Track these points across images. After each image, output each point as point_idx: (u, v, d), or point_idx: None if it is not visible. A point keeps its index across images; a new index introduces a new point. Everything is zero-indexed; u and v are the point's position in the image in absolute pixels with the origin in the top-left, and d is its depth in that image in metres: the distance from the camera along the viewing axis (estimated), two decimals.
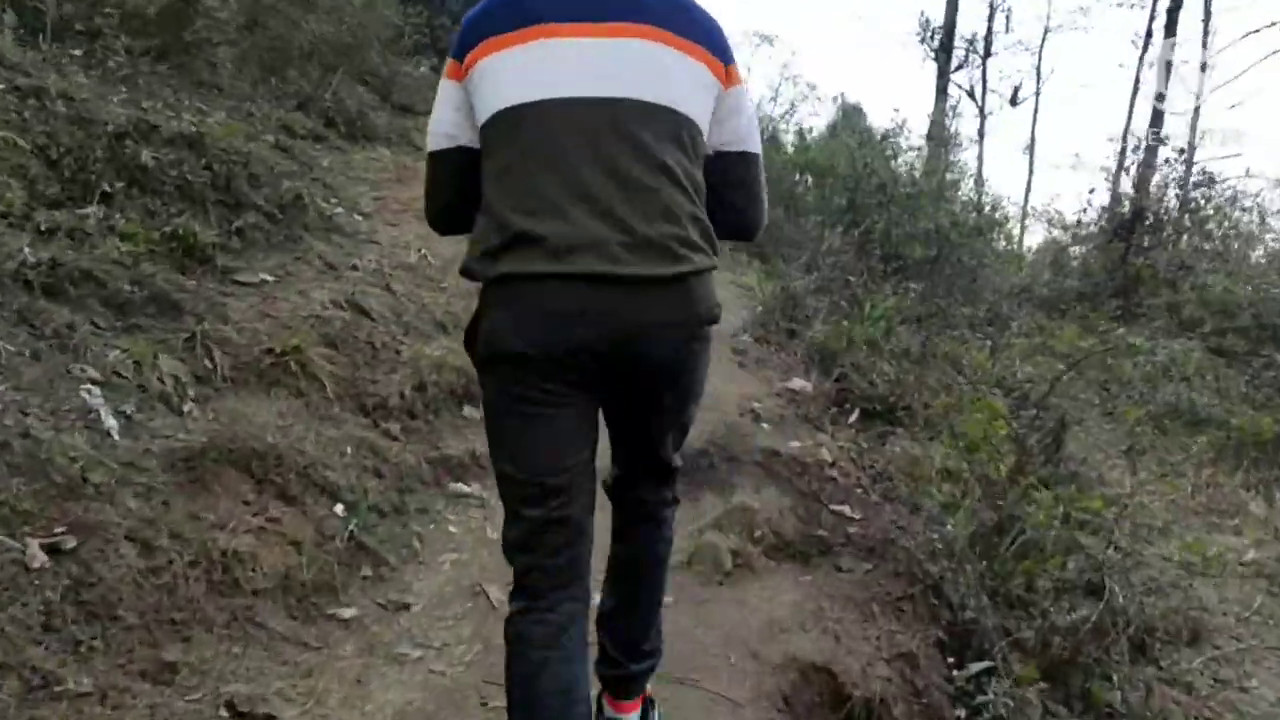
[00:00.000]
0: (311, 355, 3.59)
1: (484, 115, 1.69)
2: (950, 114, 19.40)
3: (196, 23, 6.41)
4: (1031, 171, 30.17)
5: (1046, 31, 27.75)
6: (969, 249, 10.19)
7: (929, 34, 27.12)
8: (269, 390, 3.39)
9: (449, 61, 1.77)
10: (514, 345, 1.65)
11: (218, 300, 3.75)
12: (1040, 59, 29.41)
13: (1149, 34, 23.13)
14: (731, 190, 1.83)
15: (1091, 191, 21.13)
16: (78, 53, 5.23)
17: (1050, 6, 30.57)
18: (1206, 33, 23.11)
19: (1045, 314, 11.46)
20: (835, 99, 16.25)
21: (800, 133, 11.62)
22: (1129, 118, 24.09)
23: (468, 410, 4.17)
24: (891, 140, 10.58)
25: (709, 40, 1.76)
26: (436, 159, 1.82)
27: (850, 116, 21.56)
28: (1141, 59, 23.14)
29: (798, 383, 4.95)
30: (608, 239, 1.60)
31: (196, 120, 4.97)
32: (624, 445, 1.93)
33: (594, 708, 1.91)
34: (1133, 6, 24.13)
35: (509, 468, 1.75)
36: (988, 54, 27.43)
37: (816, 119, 13.43)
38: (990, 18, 26.79)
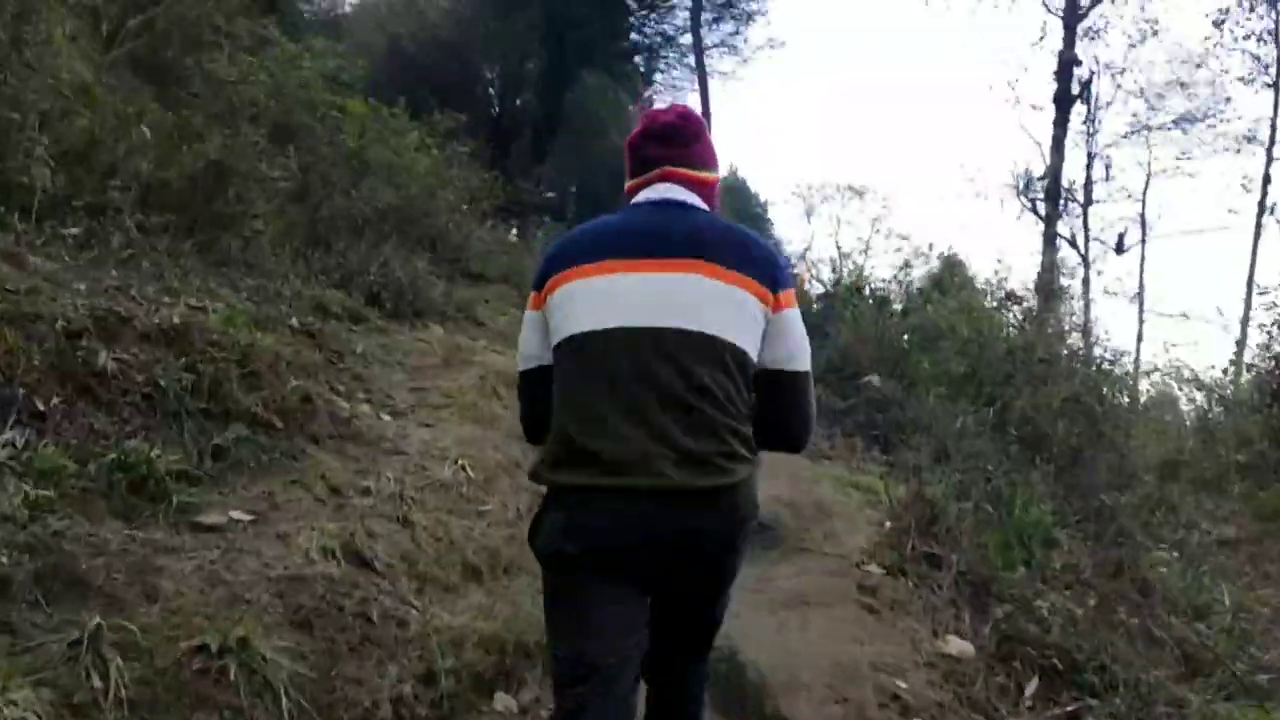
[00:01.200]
0: (265, 648, 2.49)
1: (555, 338, 1.93)
2: (1060, 265, 18.16)
3: (230, 193, 5.73)
4: (1142, 322, 28.33)
5: (1149, 177, 26.65)
6: (1112, 419, 8.81)
7: (1026, 185, 26.35)
8: (188, 716, 2.28)
9: (532, 295, 2.02)
10: (568, 548, 1.84)
11: (152, 563, 2.70)
12: (1144, 205, 27.99)
13: (1267, 179, 21.84)
14: (776, 405, 1.97)
15: (1239, 343, 19.37)
16: (74, 231, 4.50)
17: (1150, 153, 28.95)
18: None
19: (1204, 492, 9.86)
20: (932, 249, 15.26)
21: (906, 289, 10.51)
22: (1252, 264, 22.55)
23: (499, 700, 3.00)
24: (1013, 302, 9.37)
25: (759, 271, 1.92)
26: (525, 377, 2.06)
27: (952, 269, 20.57)
28: (1263, 203, 21.78)
29: (954, 644, 3.64)
30: (655, 454, 1.76)
31: (198, 306, 4.13)
32: (663, 632, 1.98)
33: None
34: (1238, 151, 23.04)
35: (560, 650, 1.92)
36: (1089, 202, 26.39)
37: (911, 271, 12.39)
38: (1089, 166, 25.87)
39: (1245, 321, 21.55)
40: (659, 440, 1.76)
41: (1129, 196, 27.07)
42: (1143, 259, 27.83)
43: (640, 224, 1.99)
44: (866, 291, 11.05)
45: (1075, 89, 18.74)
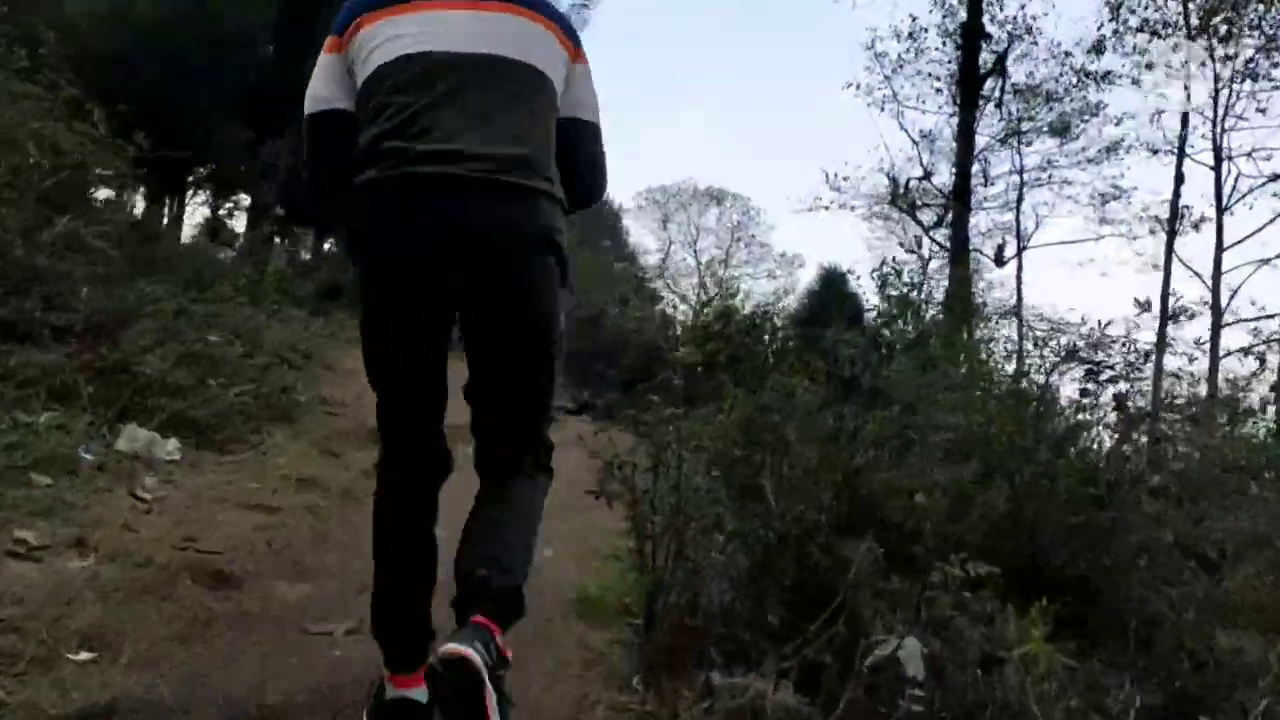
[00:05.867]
0: None
1: (369, 69, 1.92)
2: (976, 278, 14.69)
3: None
4: (1021, 338, 25.55)
5: (1022, 186, 23.94)
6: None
7: (905, 189, 23.07)
8: None
9: (330, 39, 2.01)
10: (373, 238, 1.88)
11: None
12: (1019, 214, 25.22)
13: (1179, 178, 19.27)
14: (574, 154, 2.06)
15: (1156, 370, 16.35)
16: None
17: (1020, 160, 25.94)
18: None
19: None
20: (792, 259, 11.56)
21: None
22: (1166, 278, 19.94)
23: None
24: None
25: (561, 24, 2.07)
26: (316, 120, 2.02)
27: (834, 283, 16.97)
28: (1174, 215, 19.20)
29: None
30: (462, 150, 1.81)
31: None
32: (482, 399, 2.00)
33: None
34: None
35: (373, 347, 1.96)
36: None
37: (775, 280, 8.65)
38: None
39: (1160, 342, 18.75)
40: (468, 139, 1.81)
41: (1004, 205, 24.23)
42: (1019, 271, 25.03)
43: None
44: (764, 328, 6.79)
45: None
